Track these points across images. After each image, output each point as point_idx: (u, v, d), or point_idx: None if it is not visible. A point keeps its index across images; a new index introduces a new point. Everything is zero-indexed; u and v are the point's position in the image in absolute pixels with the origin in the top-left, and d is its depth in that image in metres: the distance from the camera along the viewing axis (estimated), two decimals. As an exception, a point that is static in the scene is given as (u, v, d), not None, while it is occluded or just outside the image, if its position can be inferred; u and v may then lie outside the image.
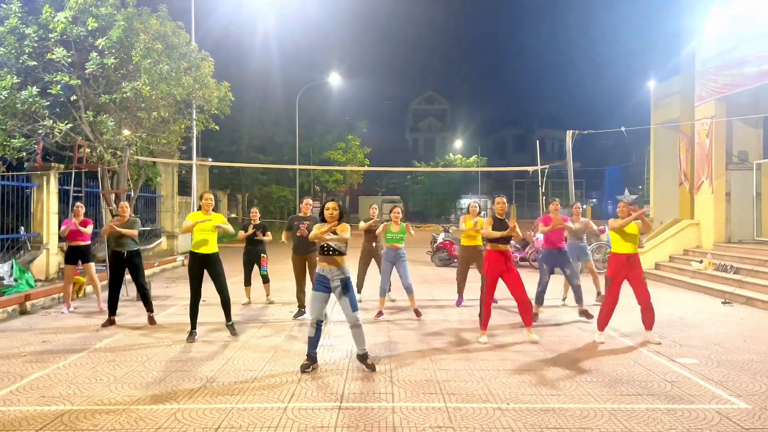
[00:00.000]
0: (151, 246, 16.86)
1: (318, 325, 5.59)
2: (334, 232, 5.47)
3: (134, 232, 7.95)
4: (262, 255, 9.46)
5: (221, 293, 6.92)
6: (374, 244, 9.19)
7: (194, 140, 15.89)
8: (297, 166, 26.86)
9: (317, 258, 5.65)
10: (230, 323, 6.99)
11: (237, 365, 5.72)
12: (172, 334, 7.10)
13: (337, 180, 38.14)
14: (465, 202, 56.65)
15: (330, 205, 5.63)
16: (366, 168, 33.26)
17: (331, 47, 57.00)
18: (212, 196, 6.92)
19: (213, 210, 6.90)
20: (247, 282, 9.49)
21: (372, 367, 5.50)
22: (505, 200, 6.95)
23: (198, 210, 6.96)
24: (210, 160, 23.80)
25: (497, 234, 6.70)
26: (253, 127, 31.01)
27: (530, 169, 13.69)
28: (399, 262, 8.20)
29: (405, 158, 53.75)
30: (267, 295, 9.52)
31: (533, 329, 7.03)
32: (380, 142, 49.67)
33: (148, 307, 7.86)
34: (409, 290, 8.22)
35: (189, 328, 6.92)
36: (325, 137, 37.97)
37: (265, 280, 9.55)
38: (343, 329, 7.38)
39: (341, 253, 5.56)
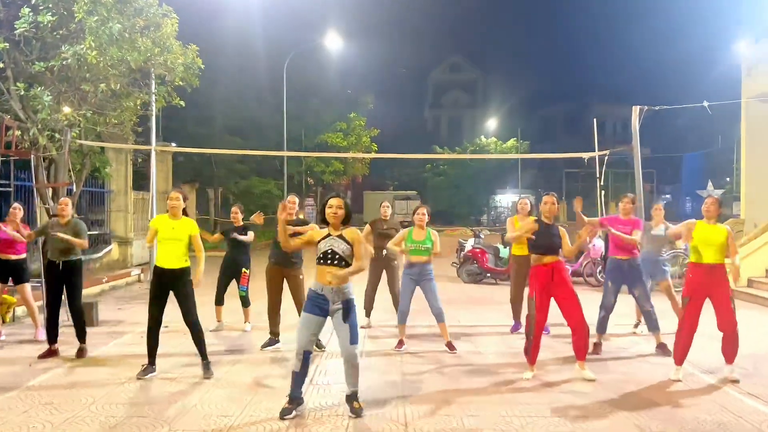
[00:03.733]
0: (99, 255, 16.93)
1: (306, 358, 5.58)
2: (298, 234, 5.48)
3: (84, 243, 7.94)
4: (243, 270, 9.44)
5: (189, 323, 6.91)
6: (385, 253, 9.17)
7: (153, 120, 15.91)
8: (285, 153, 26.88)
9: (317, 268, 5.62)
10: (206, 362, 6.97)
11: (208, 410, 5.73)
12: (125, 369, 7.12)
13: (337, 171, 38.18)
14: (501, 198, 56.60)
15: (333, 202, 5.63)
16: (373, 155, 33.21)
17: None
18: (180, 196, 6.93)
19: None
20: (219, 300, 9.50)
21: (358, 413, 5.53)
22: (555, 200, 6.93)
23: (165, 213, 6.99)
24: (173, 145, 23.86)
25: (519, 234, 6.98)
26: (228, 103, 31.08)
27: (585, 156, 13.60)
28: (425, 281, 8.09)
29: (423, 143, 53.55)
30: (245, 321, 9.52)
31: (591, 364, 7.00)
32: (392, 122, 49.64)
33: (80, 335, 7.86)
34: (439, 317, 8.12)
35: (145, 362, 6.94)
36: (321, 116, 38.00)
37: (245, 303, 9.53)
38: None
39: (348, 264, 5.55)
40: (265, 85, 32.81)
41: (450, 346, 8.10)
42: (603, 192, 12.83)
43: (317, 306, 5.57)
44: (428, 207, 8.50)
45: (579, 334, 6.78)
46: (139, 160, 19.57)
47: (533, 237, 6.82)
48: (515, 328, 9.28)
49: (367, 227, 9.34)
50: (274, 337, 8.29)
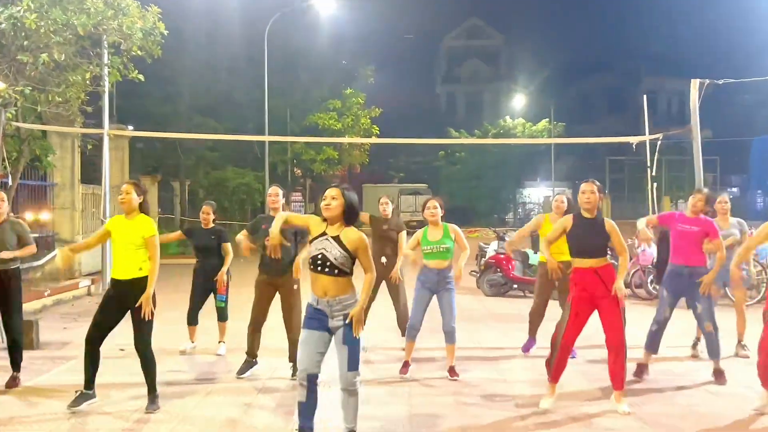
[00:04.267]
0: (40, 262, 16.90)
1: (311, 383, 5.50)
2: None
3: (33, 248, 7.92)
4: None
5: (138, 351, 6.85)
6: (384, 258, 9.14)
7: (106, 97, 15.93)
8: (266, 137, 26.83)
9: (310, 274, 5.57)
10: (153, 395, 6.91)
11: (172, 450, 5.73)
12: (70, 402, 7.11)
13: (329, 159, 38.12)
14: (530, 192, 56.55)
15: (327, 192, 5.57)
16: (374, 140, 33.18)
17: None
18: (133, 189, 6.84)
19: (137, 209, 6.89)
20: (192, 320, 9.48)
21: None
22: (595, 188, 6.86)
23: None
24: (130, 128, 23.88)
25: (550, 240, 6.89)
26: (198, 77, 31.08)
27: (633, 140, 13.59)
28: (443, 291, 8.10)
29: (435, 125, 53.66)
30: (219, 340, 9.50)
31: (637, 393, 6.97)
32: (397, 99, 49.66)
33: (15, 361, 7.82)
34: (450, 338, 8.13)
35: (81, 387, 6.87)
36: (311, 93, 37.99)
37: (222, 316, 9.49)
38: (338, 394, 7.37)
39: (345, 273, 5.50)
40: (243, 54, 32.74)
41: (452, 371, 8.10)
42: (655, 184, 12.80)
43: (316, 319, 5.52)
44: (440, 199, 8.43)
45: (617, 358, 6.72)
46: (89, 146, 19.53)
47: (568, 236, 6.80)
48: (528, 347, 9.28)
49: (365, 215, 9.25)
50: (251, 359, 8.25)
